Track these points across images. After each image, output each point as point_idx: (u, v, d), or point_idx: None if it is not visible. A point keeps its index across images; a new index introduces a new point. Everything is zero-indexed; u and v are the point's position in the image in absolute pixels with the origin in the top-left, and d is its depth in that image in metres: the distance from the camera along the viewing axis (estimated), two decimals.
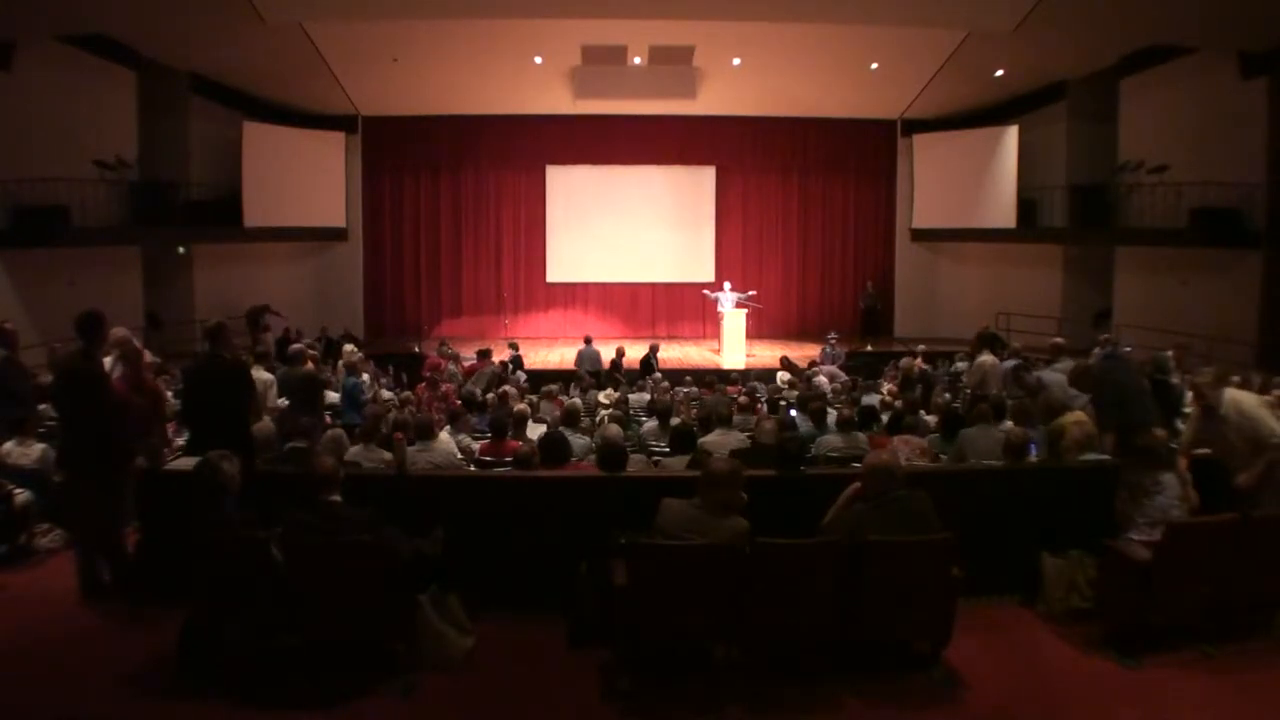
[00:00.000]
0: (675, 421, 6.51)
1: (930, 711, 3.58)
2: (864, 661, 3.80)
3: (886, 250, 18.37)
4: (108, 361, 5.74)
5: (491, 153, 17.73)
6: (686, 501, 3.66)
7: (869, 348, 15.61)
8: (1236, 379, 8.27)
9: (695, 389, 10.18)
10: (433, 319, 17.86)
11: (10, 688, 3.73)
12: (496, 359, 11.73)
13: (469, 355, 11.90)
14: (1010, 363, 8.70)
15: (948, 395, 8.59)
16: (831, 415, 7.22)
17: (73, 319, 4.67)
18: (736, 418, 6.59)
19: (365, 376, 9.12)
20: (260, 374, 6.71)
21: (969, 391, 8.69)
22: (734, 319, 14.53)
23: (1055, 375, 7.01)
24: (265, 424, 5.42)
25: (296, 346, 7.79)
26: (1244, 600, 4.08)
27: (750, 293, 15.02)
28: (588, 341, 13.26)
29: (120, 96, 13.30)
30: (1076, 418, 5.29)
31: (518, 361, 12.00)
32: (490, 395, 8.89)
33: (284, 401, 6.77)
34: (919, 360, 10.64)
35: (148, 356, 7.01)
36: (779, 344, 16.86)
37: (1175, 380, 7.81)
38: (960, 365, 10.73)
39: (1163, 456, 4.18)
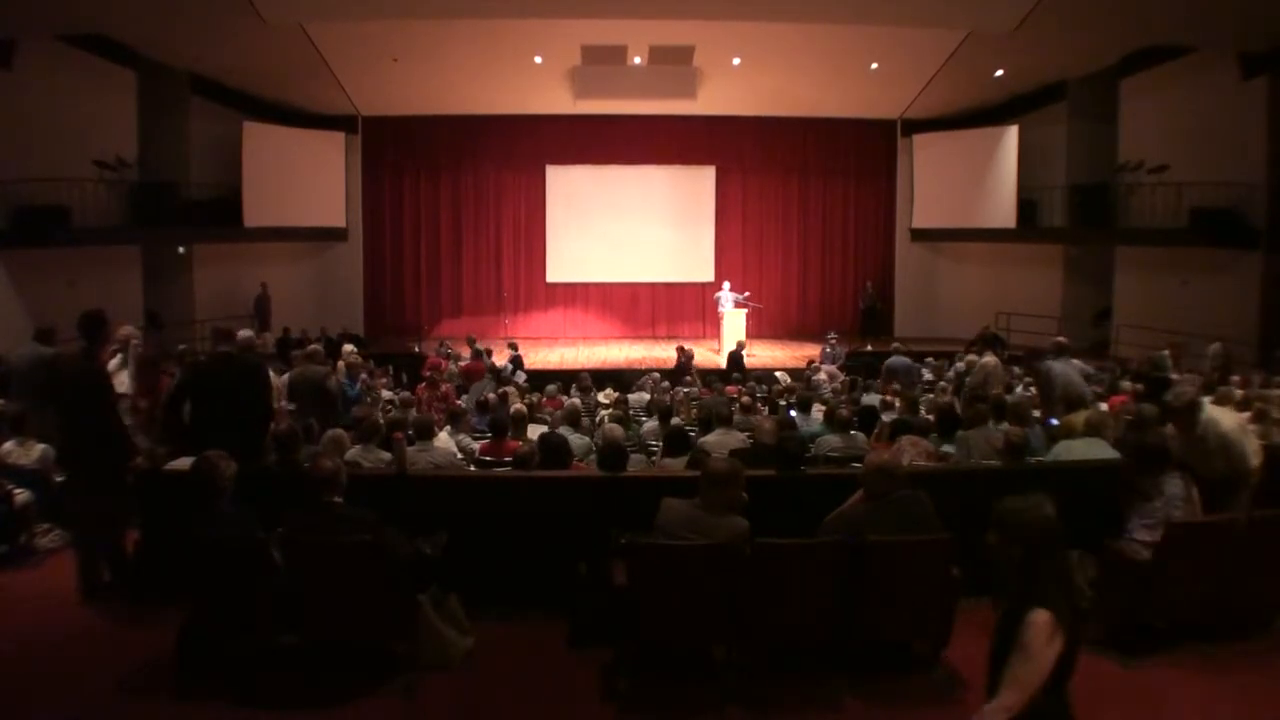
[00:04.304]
0: (675, 421, 6.52)
1: (930, 711, 3.58)
2: (864, 661, 3.79)
3: (886, 250, 18.37)
4: (113, 362, 5.78)
5: (491, 153, 17.73)
6: (687, 501, 3.66)
7: (869, 347, 15.61)
8: (1235, 378, 8.32)
9: (695, 389, 10.20)
10: (433, 319, 17.86)
11: (10, 688, 3.73)
12: (498, 360, 11.75)
13: (468, 355, 11.90)
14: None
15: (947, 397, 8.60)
16: (818, 409, 7.24)
17: (72, 319, 4.67)
18: (737, 418, 6.58)
19: (363, 376, 9.13)
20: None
21: (969, 392, 8.66)
22: (734, 319, 14.54)
23: (1066, 368, 7.07)
24: None
25: (314, 347, 7.78)
26: (1244, 600, 4.08)
27: (745, 294, 15.02)
28: (471, 343, 11.80)
29: (120, 96, 13.29)
30: (1087, 416, 5.39)
31: (518, 362, 12.00)
32: (490, 396, 8.89)
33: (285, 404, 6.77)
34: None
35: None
36: (779, 344, 16.91)
37: (1174, 376, 7.86)
38: (960, 365, 10.74)
39: (1164, 457, 4.17)
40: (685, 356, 12.52)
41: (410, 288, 18.06)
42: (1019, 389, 8.87)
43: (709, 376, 11.53)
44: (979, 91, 15.94)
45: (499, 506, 4.49)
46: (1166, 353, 8.88)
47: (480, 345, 12.35)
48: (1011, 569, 2.27)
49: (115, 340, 6.12)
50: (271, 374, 6.91)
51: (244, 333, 5.95)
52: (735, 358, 12.79)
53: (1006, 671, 2.14)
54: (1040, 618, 2.13)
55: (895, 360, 10.92)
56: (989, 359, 8.61)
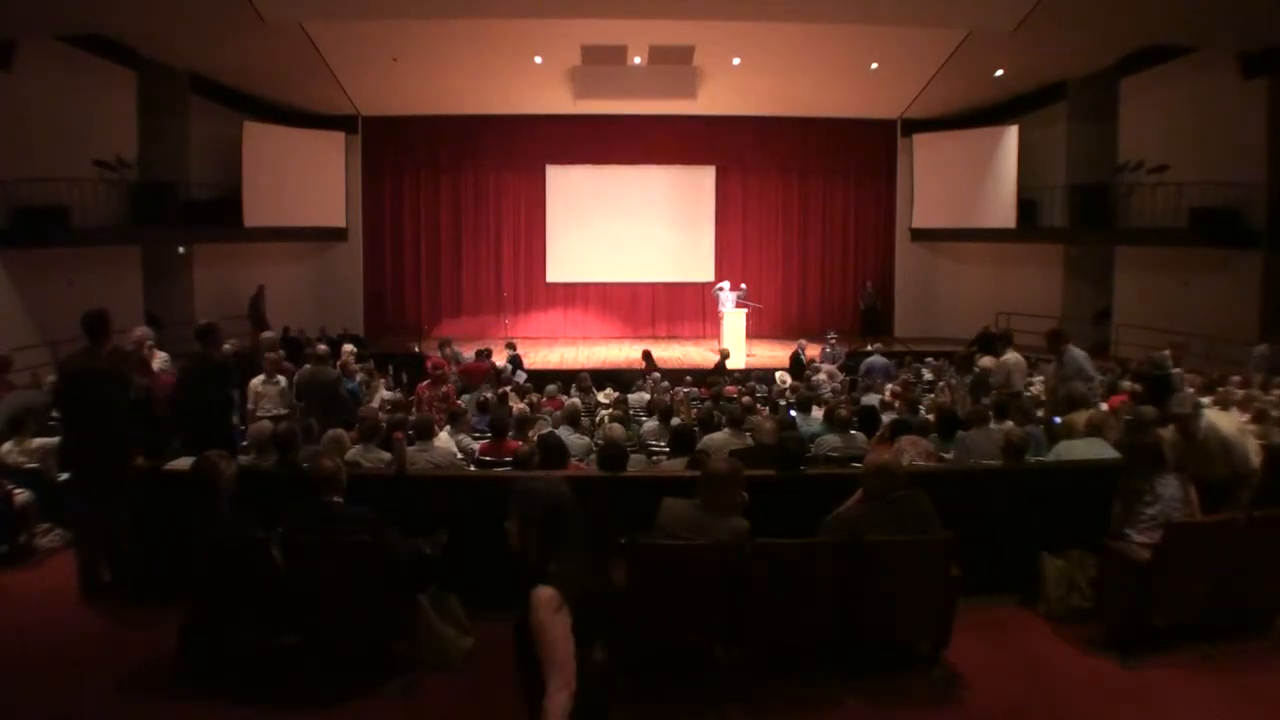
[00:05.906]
0: (676, 421, 6.51)
1: (930, 711, 3.58)
2: (864, 661, 3.79)
3: (886, 250, 18.36)
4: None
5: (491, 153, 17.73)
6: (687, 501, 3.66)
7: (869, 347, 15.60)
8: (1236, 378, 8.33)
9: (695, 389, 10.19)
10: (433, 319, 17.85)
11: (10, 688, 3.73)
12: (497, 360, 11.74)
13: (468, 356, 11.89)
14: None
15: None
16: (818, 409, 7.23)
17: (72, 319, 4.68)
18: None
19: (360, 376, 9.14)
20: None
21: (995, 391, 8.59)
22: (734, 319, 14.53)
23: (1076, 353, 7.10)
24: (263, 425, 5.42)
25: (322, 349, 7.79)
26: (1244, 600, 4.08)
27: (742, 288, 15.00)
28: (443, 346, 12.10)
29: (120, 96, 13.28)
30: (1088, 416, 5.40)
31: (516, 361, 11.99)
32: (489, 395, 8.89)
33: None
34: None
35: (157, 360, 7.02)
36: (779, 344, 16.88)
37: (1176, 373, 7.87)
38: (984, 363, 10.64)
39: (1157, 458, 4.17)
40: (724, 356, 12.55)
41: (410, 288, 18.05)
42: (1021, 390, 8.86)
43: (709, 376, 11.52)
44: (979, 91, 15.93)
45: (499, 506, 4.47)
46: (1167, 353, 8.85)
47: (457, 348, 12.31)
48: (528, 551, 2.25)
49: (131, 342, 6.14)
50: (261, 379, 6.96)
51: (321, 347, 5.94)
52: (797, 359, 12.98)
53: (542, 660, 2.12)
54: (542, 594, 2.13)
55: (873, 360, 11.11)
56: (1010, 356, 8.55)
